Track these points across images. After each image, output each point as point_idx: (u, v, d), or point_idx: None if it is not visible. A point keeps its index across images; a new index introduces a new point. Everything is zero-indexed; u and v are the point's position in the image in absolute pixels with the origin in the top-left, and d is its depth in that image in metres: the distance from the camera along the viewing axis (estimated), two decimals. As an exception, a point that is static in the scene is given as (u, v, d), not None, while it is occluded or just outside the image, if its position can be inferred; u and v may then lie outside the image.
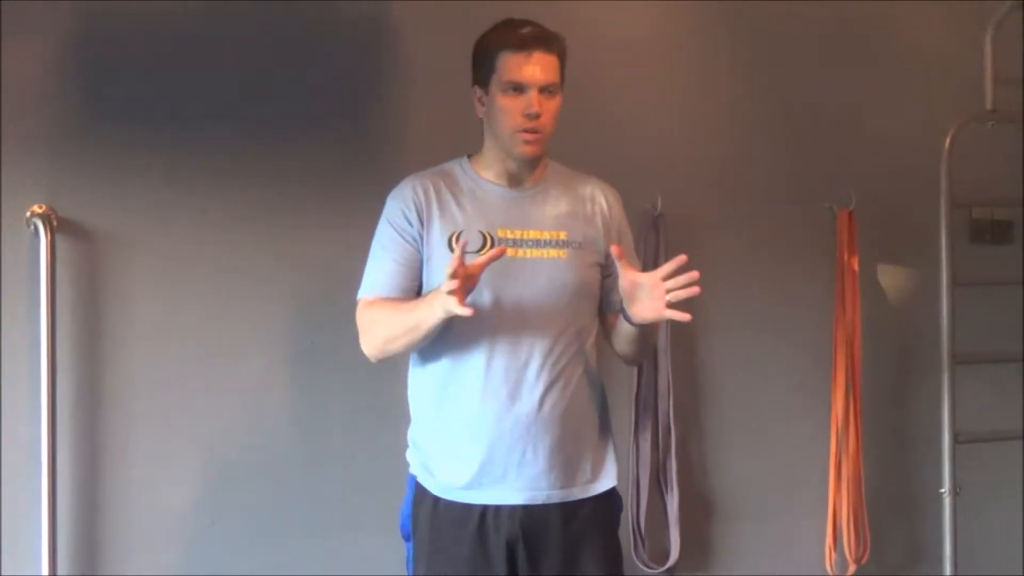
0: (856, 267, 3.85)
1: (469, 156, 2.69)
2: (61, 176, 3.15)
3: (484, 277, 2.45)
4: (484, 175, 2.65)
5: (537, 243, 2.61)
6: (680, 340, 3.72)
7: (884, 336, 4.02)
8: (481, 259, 2.39)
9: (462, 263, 2.35)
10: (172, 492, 3.27)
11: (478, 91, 2.63)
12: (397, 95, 3.47)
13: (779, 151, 3.91)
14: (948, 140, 3.76)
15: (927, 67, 4.05)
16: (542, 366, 2.58)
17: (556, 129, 2.66)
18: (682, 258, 2.45)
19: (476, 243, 2.58)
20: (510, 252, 2.53)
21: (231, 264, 3.32)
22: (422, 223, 2.60)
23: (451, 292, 2.34)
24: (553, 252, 2.61)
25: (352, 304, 2.73)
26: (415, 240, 2.61)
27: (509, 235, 2.60)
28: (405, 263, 2.60)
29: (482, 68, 2.61)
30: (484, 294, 2.52)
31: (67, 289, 3.15)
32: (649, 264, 3.48)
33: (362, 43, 3.43)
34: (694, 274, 2.43)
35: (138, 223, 3.23)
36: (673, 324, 3.34)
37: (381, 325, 2.57)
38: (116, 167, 3.21)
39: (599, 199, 2.72)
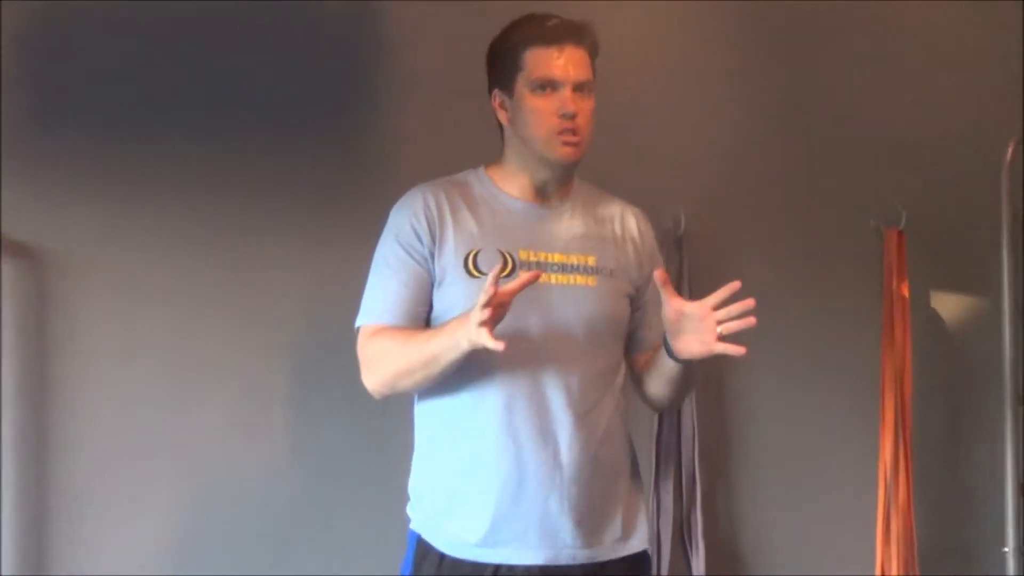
0: (906, 293, 3.75)
1: (486, 167, 2.55)
2: (4, 191, 3.00)
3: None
4: (505, 188, 2.51)
5: (563, 268, 2.47)
6: (707, 377, 3.57)
7: (938, 371, 3.92)
8: (512, 284, 2.25)
9: (496, 291, 2.21)
10: (129, 551, 3.08)
11: (499, 95, 2.49)
12: (386, 101, 3.34)
13: (819, 163, 3.79)
14: (1010, 150, 3.68)
15: (982, 71, 3.95)
16: (567, 406, 2.42)
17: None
18: (735, 285, 2.30)
19: (497, 264, 2.40)
20: None
21: (197, 289, 3.16)
22: (434, 239, 2.45)
23: (483, 323, 2.21)
24: (581, 279, 2.47)
25: (336, 334, 2.63)
26: (425, 259, 2.45)
27: (532, 257, 2.45)
28: (414, 286, 2.45)
29: (504, 68, 2.47)
30: (505, 323, 2.33)
31: (11, 317, 2.99)
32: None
33: (347, 43, 3.29)
34: (749, 302, 2.28)
35: (92, 243, 3.08)
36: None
37: (391, 357, 2.42)
38: (67, 181, 3.06)
39: (630, 223, 2.59)
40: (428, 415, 2.52)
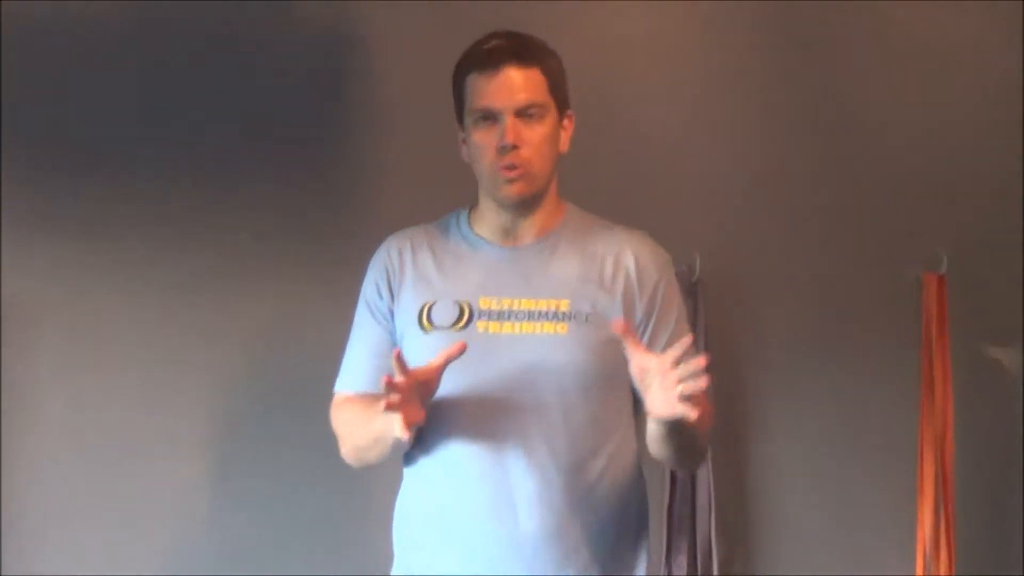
0: (948, 348, 3.56)
1: (472, 206, 2.49)
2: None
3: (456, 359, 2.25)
4: (478, 229, 2.44)
5: (529, 315, 2.35)
6: (724, 440, 3.35)
7: (983, 436, 3.65)
8: (436, 361, 2.19)
9: (391, 379, 2.12)
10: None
11: (460, 132, 2.44)
12: (368, 133, 3.25)
13: (849, 201, 3.58)
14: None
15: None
16: (528, 472, 2.29)
17: (564, 170, 2.44)
18: (687, 340, 2.16)
19: (451, 315, 2.34)
20: (493, 327, 2.32)
21: (156, 342, 3.11)
22: (392, 295, 2.42)
23: (390, 408, 2.13)
24: (548, 326, 2.34)
25: (314, 394, 2.54)
26: (386, 319, 2.42)
27: (495, 305, 2.36)
28: (378, 352, 2.40)
29: (457, 102, 2.41)
30: (457, 380, 2.27)
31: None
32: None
33: (325, 72, 3.23)
34: (700, 361, 2.09)
35: (39, 287, 3.05)
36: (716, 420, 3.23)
37: (350, 433, 2.40)
38: (9, 217, 3.03)
39: (625, 256, 2.42)
40: (403, 486, 2.45)
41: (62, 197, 3.06)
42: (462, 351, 2.17)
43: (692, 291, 3.37)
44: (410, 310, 2.38)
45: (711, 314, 3.38)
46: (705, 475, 3.34)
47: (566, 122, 2.37)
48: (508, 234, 2.41)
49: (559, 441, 2.31)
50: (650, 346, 2.37)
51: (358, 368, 2.41)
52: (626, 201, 3.12)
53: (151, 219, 3.12)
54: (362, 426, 2.33)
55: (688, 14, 3.50)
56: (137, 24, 3.12)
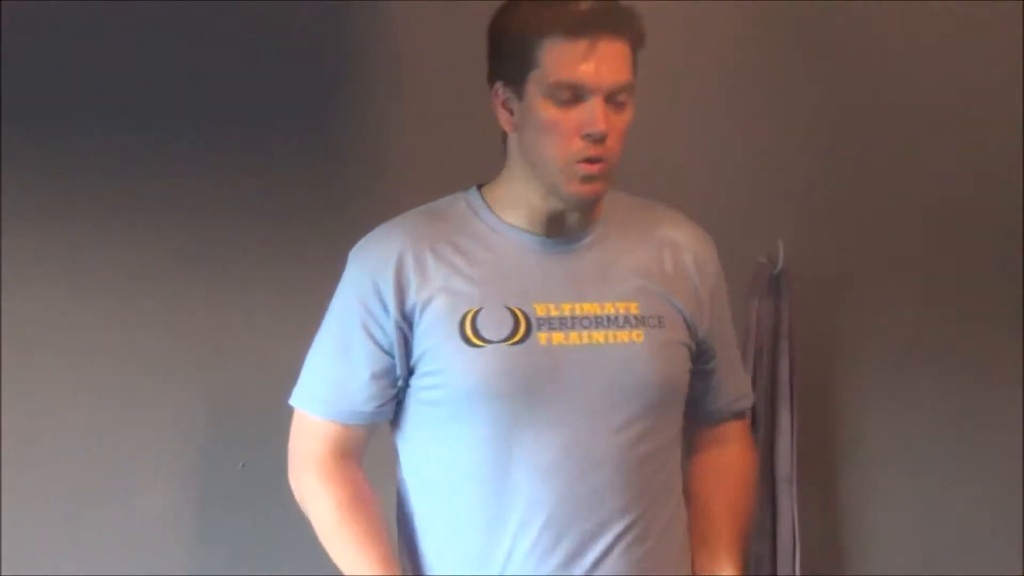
0: None
1: (480, 187, 2.25)
2: None
3: (517, 377, 2.08)
4: (508, 218, 2.19)
5: (597, 322, 2.14)
6: (813, 458, 3.06)
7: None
8: None
9: None
10: None
11: (503, 92, 2.14)
12: (374, 109, 2.98)
13: (963, 178, 3.23)
14: None
15: None
16: (612, 511, 2.09)
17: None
18: None
19: (504, 326, 2.11)
20: (557, 338, 2.11)
21: (123, 347, 2.84)
22: (405, 312, 2.14)
23: None
24: (623, 335, 2.15)
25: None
26: (390, 338, 2.15)
27: (553, 312, 2.13)
28: (382, 376, 2.16)
29: (512, 59, 2.13)
30: (514, 410, 2.08)
31: None
32: (767, 345, 3.05)
33: (324, 39, 2.94)
34: None
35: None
36: (802, 432, 3.01)
37: (319, 520, 2.21)
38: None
39: (684, 248, 2.25)
40: (416, 524, 2.18)
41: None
42: None
43: (775, 286, 3.08)
44: (444, 322, 2.11)
45: (796, 313, 3.09)
46: (788, 506, 3.00)
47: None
48: (553, 224, 2.17)
49: (644, 468, 2.12)
50: (709, 363, 2.25)
51: (353, 389, 2.15)
52: (697, 185, 2.93)
53: (115, 214, 2.81)
54: (334, 539, 2.16)
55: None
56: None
